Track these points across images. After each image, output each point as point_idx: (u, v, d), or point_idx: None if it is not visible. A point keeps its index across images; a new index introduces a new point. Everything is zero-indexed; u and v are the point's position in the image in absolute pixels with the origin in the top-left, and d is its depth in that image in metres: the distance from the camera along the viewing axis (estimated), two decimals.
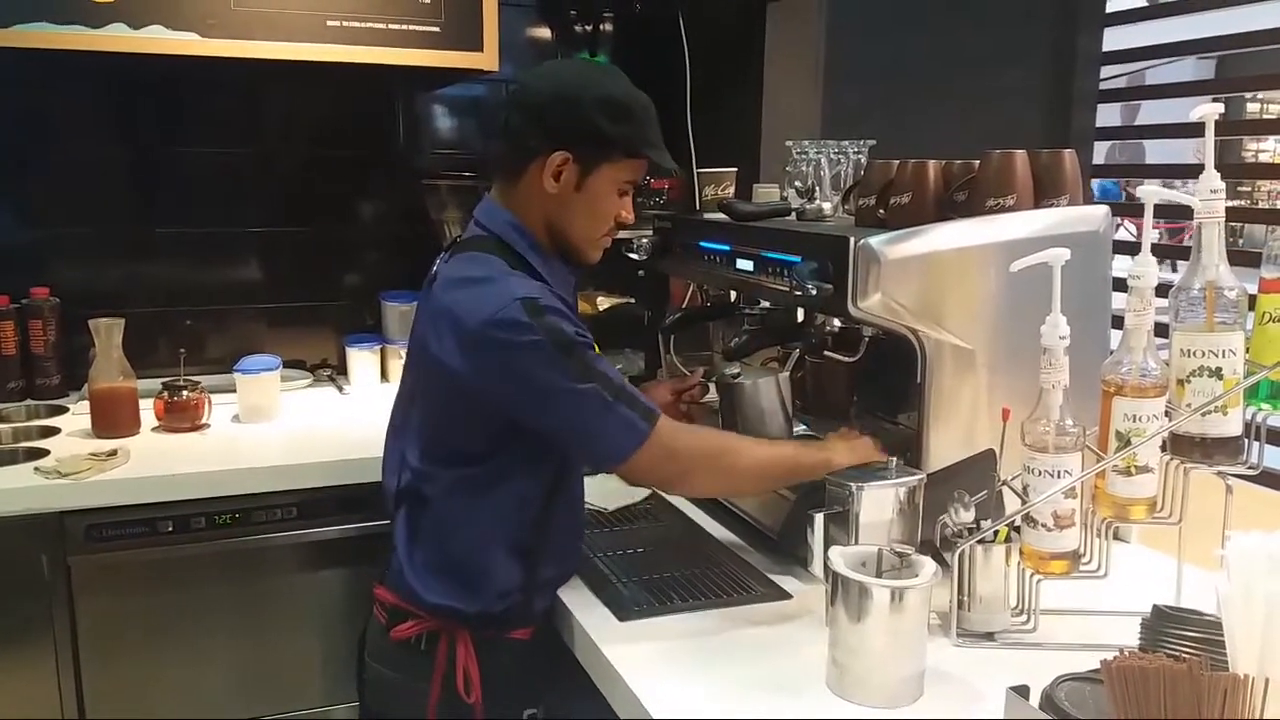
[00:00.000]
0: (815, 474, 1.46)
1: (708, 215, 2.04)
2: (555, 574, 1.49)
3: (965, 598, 1.31)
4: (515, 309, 1.31)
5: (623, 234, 2.28)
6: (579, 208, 1.44)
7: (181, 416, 2.16)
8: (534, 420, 1.36)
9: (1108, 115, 3.05)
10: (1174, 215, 2.54)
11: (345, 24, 2.26)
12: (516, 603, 1.43)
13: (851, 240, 1.43)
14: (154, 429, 2.16)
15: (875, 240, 1.42)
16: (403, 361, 1.60)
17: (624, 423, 1.34)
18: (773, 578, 1.52)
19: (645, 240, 2.09)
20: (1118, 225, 1.64)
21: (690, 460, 1.41)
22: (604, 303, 2.72)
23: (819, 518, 1.38)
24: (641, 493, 1.82)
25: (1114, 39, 2.90)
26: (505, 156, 1.47)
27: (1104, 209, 1.56)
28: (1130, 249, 1.31)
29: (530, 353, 1.31)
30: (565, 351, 1.32)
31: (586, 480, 1.54)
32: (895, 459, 1.40)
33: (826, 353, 1.61)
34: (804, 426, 1.83)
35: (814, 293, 1.48)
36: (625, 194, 1.48)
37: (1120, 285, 1.35)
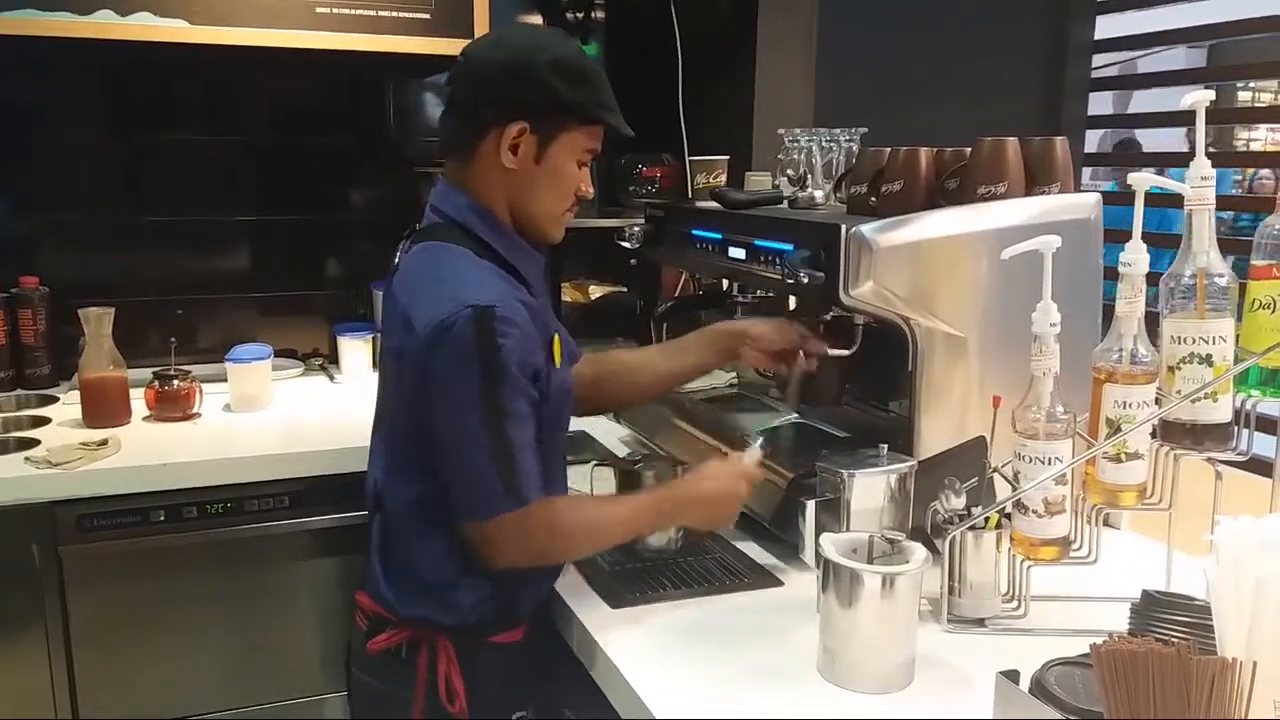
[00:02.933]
0: (656, 530, 1.50)
1: (700, 203, 2.04)
2: (538, 572, 1.42)
3: (956, 584, 1.31)
4: (464, 318, 1.22)
5: (615, 222, 2.29)
6: (541, 182, 1.37)
7: (173, 406, 2.16)
8: (425, 426, 1.29)
9: (1099, 104, 3.05)
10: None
11: (335, 10, 2.26)
12: (494, 609, 1.37)
13: (843, 228, 1.43)
14: (145, 418, 2.15)
15: (867, 228, 1.42)
16: None
17: (487, 491, 1.25)
18: (764, 565, 1.53)
19: (637, 229, 2.09)
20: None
21: (523, 554, 1.31)
22: (596, 291, 2.72)
23: (810, 505, 1.38)
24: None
25: (1106, 27, 2.91)
26: (457, 134, 1.38)
27: (1095, 196, 1.57)
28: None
29: (456, 366, 1.24)
30: (485, 386, 1.24)
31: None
32: (884, 446, 1.40)
33: (830, 352, 1.61)
34: (793, 415, 1.84)
35: (806, 281, 1.47)
36: (584, 165, 1.40)
37: (1111, 273, 1.35)
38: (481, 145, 1.35)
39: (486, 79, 1.35)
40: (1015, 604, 1.33)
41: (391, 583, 1.40)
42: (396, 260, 1.42)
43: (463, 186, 1.39)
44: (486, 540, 1.29)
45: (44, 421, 2.14)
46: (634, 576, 1.49)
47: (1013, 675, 1.00)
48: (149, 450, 1.96)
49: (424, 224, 1.42)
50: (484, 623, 1.38)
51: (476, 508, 1.28)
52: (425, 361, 1.27)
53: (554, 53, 1.34)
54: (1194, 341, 1.20)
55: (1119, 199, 1.63)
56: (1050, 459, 1.25)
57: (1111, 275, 1.30)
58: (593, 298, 2.71)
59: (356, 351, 2.51)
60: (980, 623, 1.32)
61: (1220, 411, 1.21)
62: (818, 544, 1.23)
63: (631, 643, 1.29)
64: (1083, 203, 1.55)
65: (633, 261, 2.39)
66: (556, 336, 1.42)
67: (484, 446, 1.25)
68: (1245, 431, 1.23)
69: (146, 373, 2.19)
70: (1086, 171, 3.39)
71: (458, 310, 1.23)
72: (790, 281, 1.50)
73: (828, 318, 1.67)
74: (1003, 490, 1.35)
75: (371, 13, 2.29)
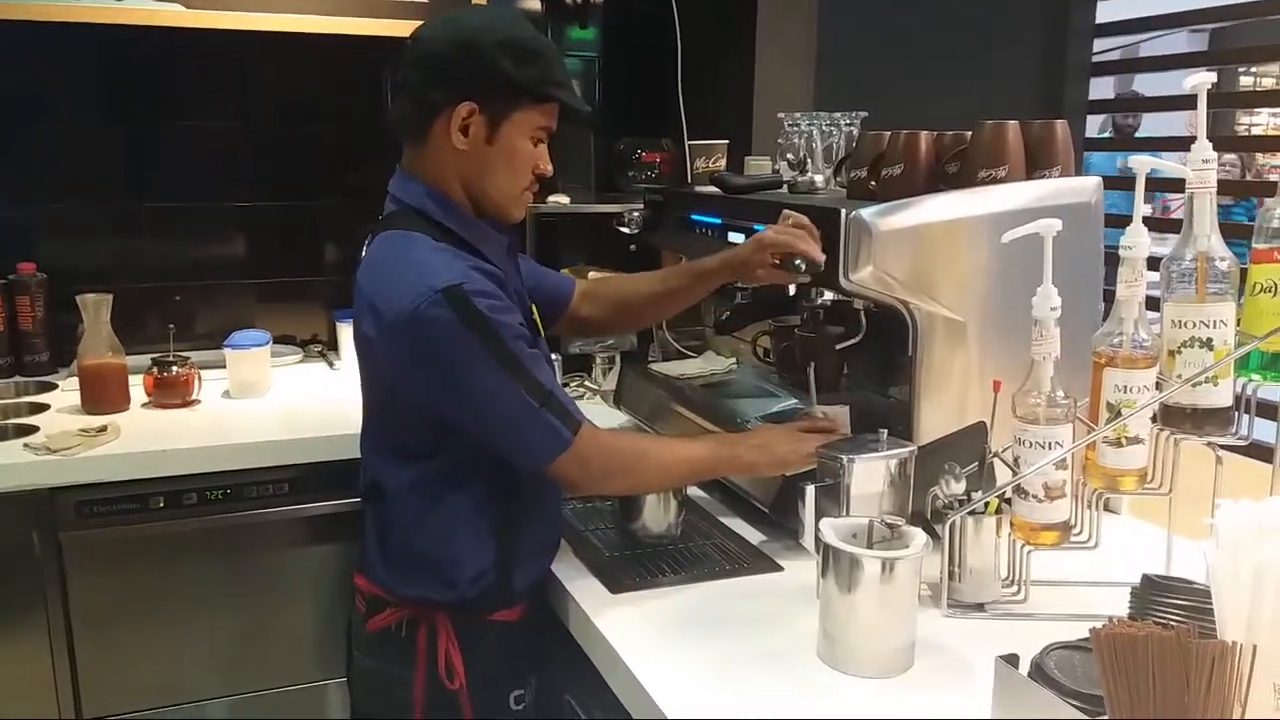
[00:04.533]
0: (722, 472, 1.55)
1: (699, 188, 2.03)
2: (533, 546, 1.44)
3: (956, 569, 1.31)
4: (436, 302, 1.23)
5: (614, 207, 2.28)
6: (494, 162, 1.36)
7: (171, 392, 2.15)
8: (456, 417, 1.31)
9: (1100, 88, 3.04)
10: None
11: None
12: (493, 584, 1.38)
13: (843, 212, 1.42)
14: (144, 405, 2.15)
15: (867, 212, 1.42)
16: None
17: (547, 430, 1.29)
18: (764, 550, 1.53)
19: (636, 213, 2.08)
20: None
21: (604, 470, 1.38)
22: (595, 276, 2.71)
23: (810, 490, 1.38)
24: None
25: (1107, 11, 2.89)
26: (408, 118, 1.37)
27: (1096, 180, 1.56)
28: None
29: (452, 348, 1.25)
30: (492, 347, 1.25)
31: None
32: (884, 431, 1.40)
33: (839, 346, 1.61)
34: (793, 401, 1.83)
35: (805, 266, 1.47)
36: (540, 142, 1.39)
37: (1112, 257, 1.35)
38: (433, 128, 1.35)
39: (434, 60, 1.34)
40: (1015, 589, 1.33)
41: (389, 563, 1.41)
42: (364, 252, 1.42)
43: (418, 172, 1.39)
44: (565, 474, 1.34)
45: (43, 408, 2.14)
46: (633, 562, 1.49)
47: (1012, 659, 1.00)
48: (148, 437, 1.96)
49: (384, 213, 1.42)
50: (483, 598, 1.39)
51: (543, 451, 1.30)
52: (406, 351, 1.28)
53: (502, 32, 1.33)
54: (1194, 325, 1.20)
55: (1120, 184, 1.62)
56: (1050, 444, 1.25)
57: (1112, 259, 1.29)
58: None
59: None
60: (980, 607, 1.32)
61: (1221, 396, 1.21)
62: (817, 529, 1.22)
63: (630, 628, 1.29)
64: (1083, 186, 1.54)
65: (632, 247, 2.38)
66: (534, 306, 1.43)
67: (519, 395, 1.27)
68: (1246, 416, 1.23)
69: (145, 359, 2.19)
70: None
71: (427, 295, 1.24)
72: (790, 267, 1.50)
73: (827, 302, 1.66)
74: (1003, 475, 1.35)
75: None
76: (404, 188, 1.40)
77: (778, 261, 1.51)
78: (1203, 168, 1.19)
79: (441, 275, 1.26)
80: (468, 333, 1.24)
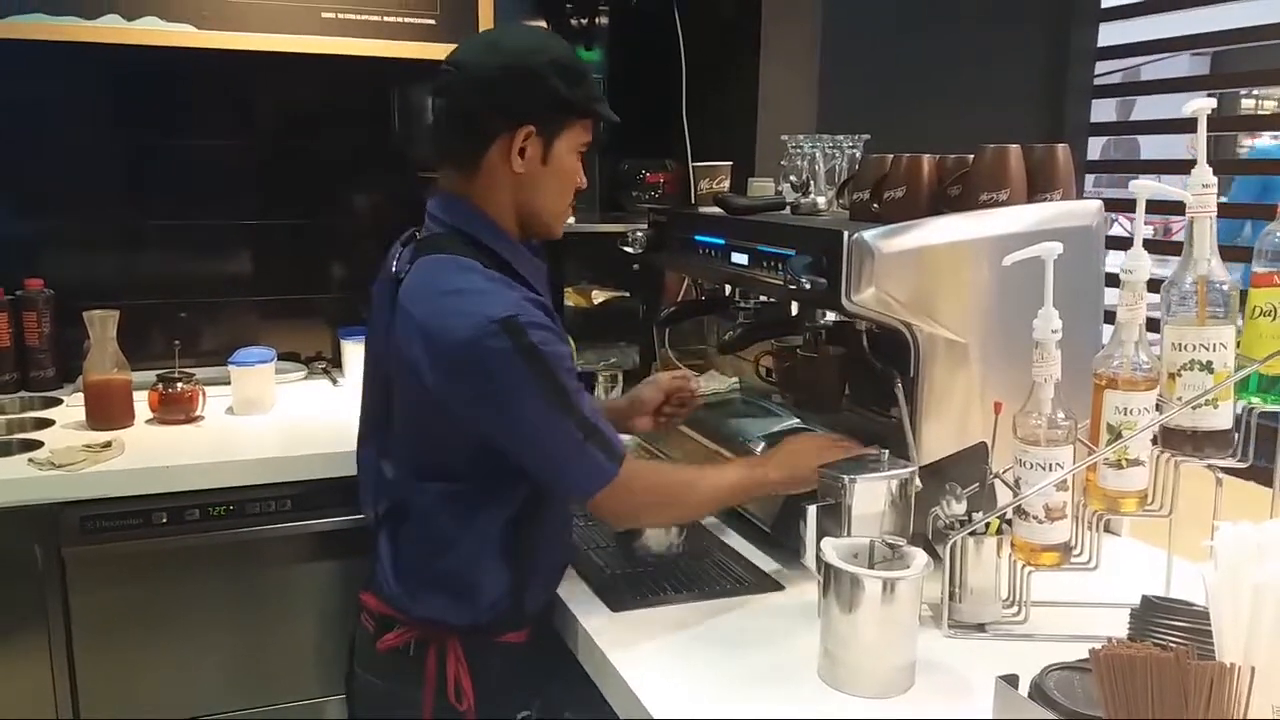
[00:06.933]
0: (755, 494, 1.50)
1: (703, 209, 2.04)
2: (546, 571, 1.45)
3: (956, 589, 1.32)
4: (493, 333, 1.24)
5: (618, 227, 2.30)
6: (548, 181, 1.38)
7: (176, 409, 2.16)
8: (504, 445, 1.31)
9: (1102, 110, 3.05)
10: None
11: (340, 16, 2.27)
12: (506, 608, 1.39)
13: (845, 234, 1.43)
14: (148, 421, 2.16)
15: (869, 234, 1.43)
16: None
17: (592, 463, 1.30)
18: (765, 569, 1.53)
19: (640, 234, 2.09)
20: (1111, 221, 1.65)
21: (646, 502, 1.39)
22: (599, 296, 2.72)
23: (811, 510, 1.38)
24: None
25: (1109, 34, 2.91)
26: (458, 144, 1.38)
27: (1097, 204, 1.57)
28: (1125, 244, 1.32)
29: (506, 379, 1.25)
30: (545, 380, 1.26)
31: None
32: (886, 451, 1.41)
33: (832, 348, 1.62)
34: (796, 420, 1.84)
35: (808, 286, 1.48)
36: (581, 157, 1.43)
37: (1113, 280, 1.35)
38: (488, 153, 1.36)
39: (487, 85, 1.35)
40: (1016, 609, 1.33)
41: (404, 582, 1.41)
42: (394, 268, 1.41)
43: (467, 196, 1.39)
44: (608, 507, 1.34)
45: (48, 423, 2.15)
46: (635, 580, 1.49)
47: (1012, 680, 1.00)
48: (152, 452, 1.97)
49: (425, 234, 1.41)
50: (497, 621, 1.39)
51: (589, 483, 1.31)
52: (461, 380, 1.27)
53: (549, 52, 1.36)
54: (1194, 348, 1.21)
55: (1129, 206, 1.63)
56: (1051, 465, 1.25)
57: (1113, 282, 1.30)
58: (595, 302, 2.71)
59: (359, 355, 2.49)
60: (981, 628, 1.32)
61: (1221, 418, 1.21)
62: (819, 549, 1.23)
63: (632, 646, 1.30)
64: (1084, 209, 1.55)
65: (635, 266, 2.39)
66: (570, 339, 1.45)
67: (568, 429, 1.28)
68: (1246, 439, 1.23)
69: (150, 375, 2.20)
70: (1089, 179, 3.40)
71: (483, 325, 1.24)
72: (793, 287, 1.51)
73: (829, 323, 1.67)
74: (1004, 496, 1.35)
75: (377, 18, 2.30)
76: (451, 210, 1.39)
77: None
78: (1203, 192, 1.20)
79: (498, 306, 1.26)
80: (522, 364, 1.25)
